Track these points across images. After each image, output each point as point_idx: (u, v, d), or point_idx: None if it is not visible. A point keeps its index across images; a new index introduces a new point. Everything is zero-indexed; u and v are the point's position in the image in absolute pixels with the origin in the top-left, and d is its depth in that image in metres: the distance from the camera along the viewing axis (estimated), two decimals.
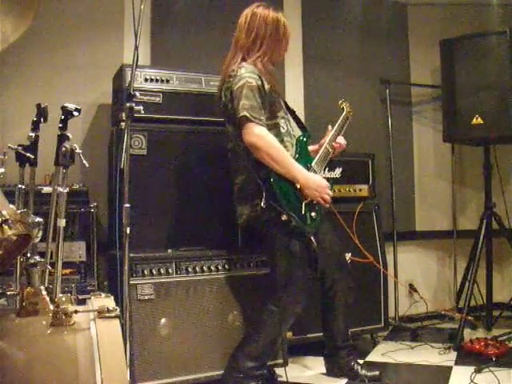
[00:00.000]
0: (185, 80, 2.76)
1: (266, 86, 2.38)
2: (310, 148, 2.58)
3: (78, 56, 3.07)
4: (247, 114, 2.25)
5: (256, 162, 2.30)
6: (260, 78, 2.36)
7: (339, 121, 2.65)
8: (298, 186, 2.32)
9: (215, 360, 2.46)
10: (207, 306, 2.49)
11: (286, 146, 2.40)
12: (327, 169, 3.03)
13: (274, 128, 2.39)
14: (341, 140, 2.63)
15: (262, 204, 2.24)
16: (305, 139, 2.50)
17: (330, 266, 2.55)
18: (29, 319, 1.43)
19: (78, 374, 1.26)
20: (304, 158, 2.45)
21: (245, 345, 2.39)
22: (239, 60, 2.42)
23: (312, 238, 2.33)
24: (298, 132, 2.56)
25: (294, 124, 2.57)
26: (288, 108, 2.58)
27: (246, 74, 2.33)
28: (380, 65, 3.88)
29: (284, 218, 2.24)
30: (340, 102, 2.73)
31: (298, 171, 2.31)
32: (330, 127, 2.63)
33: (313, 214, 2.38)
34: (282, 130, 2.44)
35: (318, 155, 2.51)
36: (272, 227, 2.33)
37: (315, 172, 2.44)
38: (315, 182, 2.35)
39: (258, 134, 2.25)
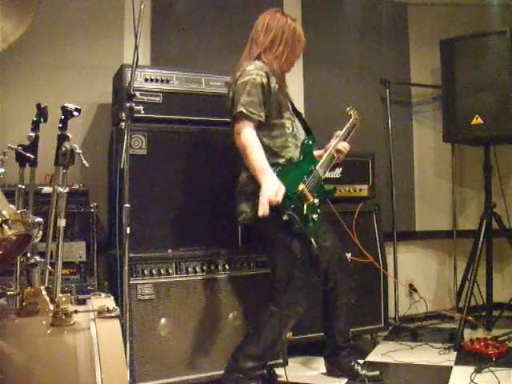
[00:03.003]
0: (185, 80, 2.76)
1: (274, 85, 2.39)
2: (316, 153, 2.58)
3: (78, 56, 3.06)
4: (244, 110, 2.26)
5: None
6: (267, 76, 2.36)
7: (346, 127, 2.65)
8: (300, 188, 2.32)
9: (215, 360, 2.47)
10: (207, 306, 2.49)
11: (289, 147, 2.41)
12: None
13: (279, 127, 2.40)
14: (344, 145, 2.62)
15: None
16: (310, 142, 2.50)
17: (333, 266, 2.55)
18: (29, 319, 1.43)
19: (78, 373, 1.26)
20: (308, 160, 2.46)
21: (245, 345, 2.39)
22: (254, 57, 2.43)
23: (312, 239, 2.33)
24: (303, 135, 2.56)
25: (299, 126, 2.57)
26: (295, 110, 2.58)
27: (254, 70, 2.34)
28: (380, 65, 3.88)
29: (285, 218, 2.24)
30: (348, 108, 2.72)
31: (261, 173, 2.22)
32: (338, 132, 2.63)
33: (314, 215, 2.38)
34: (288, 131, 2.44)
35: (323, 159, 2.52)
36: (272, 227, 2.33)
37: (319, 175, 2.46)
38: (269, 185, 2.20)
39: (240, 130, 2.28)
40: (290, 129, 2.47)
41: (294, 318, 2.42)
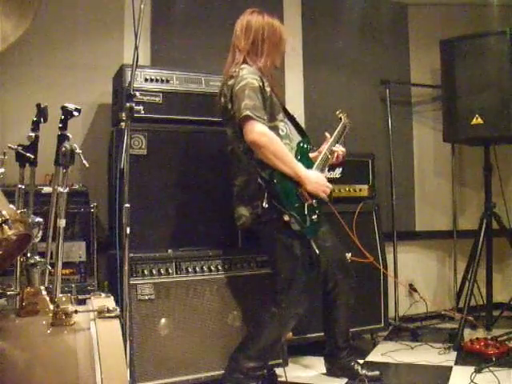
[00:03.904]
0: (185, 80, 2.76)
1: (267, 89, 2.39)
2: (310, 155, 2.58)
3: (78, 56, 3.07)
4: (250, 114, 2.25)
5: (258, 163, 2.30)
6: (261, 79, 2.37)
7: (337, 129, 2.66)
8: (300, 190, 2.33)
9: (215, 360, 2.47)
10: (207, 306, 2.49)
11: None
12: (327, 169, 3.02)
13: (273, 130, 2.39)
14: (340, 147, 2.63)
15: (264, 204, 2.25)
16: (305, 145, 2.51)
17: (332, 267, 2.55)
18: (29, 319, 1.43)
19: (78, 374, 1.26)
20: (305, 163, 2.45)
21: (245, 345, 2.39)
22: (241, 62, 2.42)
23: (312, 240, 2.33)
24: (296, 137, 2.56)
25: (292, 129, 2.57)
26: (287, 113, 2.58)
27: (249, 74, 2.34)
28: (380, 65, 3.88)
29: (286, 218, 2.25)
30: (338, 112, 2.74)
31: (299, 168, 2.33)
32: (328, 135, 2.64)
33: (314, 216, 2.37)
34: (281, 133, 2.45)
35: (318, 161, 2.52)
36: (273, 229, 2.33)
37: None
38: (314, 176, 2.38)
39: (261, 131, 2.26)
40: (284, 130, 2.47)
41: (295, 318, 2.42)
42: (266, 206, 2.24)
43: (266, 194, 2.26)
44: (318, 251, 2.31)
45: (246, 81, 2.31)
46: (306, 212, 2.33)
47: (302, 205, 2.33)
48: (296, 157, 2.45)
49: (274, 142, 2.28)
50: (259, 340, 2.37)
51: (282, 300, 2.36)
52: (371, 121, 3.79)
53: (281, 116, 2.49)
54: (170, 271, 2.44)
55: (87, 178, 2.83)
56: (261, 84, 2.35)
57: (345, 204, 3.12)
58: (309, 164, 2.47)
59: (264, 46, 2.44)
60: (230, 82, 2.38)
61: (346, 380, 2.58)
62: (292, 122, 2.60)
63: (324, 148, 2.59)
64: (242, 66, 2.39)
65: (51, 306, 1.45)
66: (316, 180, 2.37)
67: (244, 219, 2.41)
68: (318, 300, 2.62)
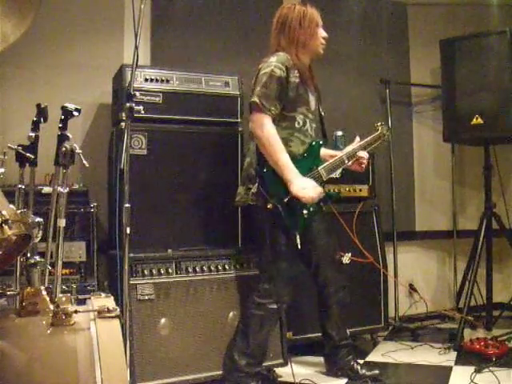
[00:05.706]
0: (185, 80, 2.76)
1: (293, 80, 2.40)
2: (331, 153, 2.58)
3: (78, 56, 3.07)
4: (257, 101, 2.30)
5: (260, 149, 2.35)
6: (287, 69, 2.38)
7: (369, 138, 2.63)
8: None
9: (215, 360, 2.46)
10: (207, 306, 2.50)
11: (292, 141, 2.41)
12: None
13: (289, 120, 2.42)
14: (363, 153, 2.59)
15: (254, 189, 2.34)
16: (317, 146, 2.50)
17: (324, 264, 2.55)
18: (29, 319, 1.43)
19: (78, 374, 1.26)
20: (312, 159, 2.46)
21: (237, 342, 2.40)
22: (274, 50, 2.46)
23: (297, 234, 2.32)
24: (314, 135, 2.54)
25: (314, 126, 2.54)
26: (317, 110, 2.58)
27: (275, 62, 2.37)
28: (380, 65, 3.88)
29: (269, 206, 2.29)
30: (379, 123, 2.71)
31: (285, 168, 2.30)
32: (357, 138, 2.62)
33: (304, 211, 2.37)
34: (297, 125, 2.45)
35: (330, 162, 2.50)
36: (261, 214, 2.37)
37: (320, 175, 2.44)
38: (301, 182, 2.31)
39: (261, 122, 2.30)
40: (301, 123, 2.46)
41: (280, 308, 2.43)
42: (255, 191, 2.33)
43: (257, 180, 2.33)
44: (299, 245, 2.29)
45: (270, 68, 2.35)
46: (292, 206, 2.32)
47: (289, 198, 2.32)
48: (303, 154, 2.44)
49: (269, 138, 2.29)
50: (248, 333, 2.38)
51: (265, 289, 2.39)
52: (371, 121, 3.77)
53: (303, 109, 2.47)
54: (170, 271, 2.44)
55: (87, 178, 2.83)
56: (283, 74, 2.36)
57: (345, 204, 3.11)
58: (315, 162, 2.46)
59: (297, 36, 2.45)
60: (260, 66, 2.42)
61: (346, 380, 2.58)
62: (320, 120, 2.59)
63: (345, 150, 2.57)
64: (276, 52, 2.42)
65: (51, 306, 1.45)
66: (303, 186, 2.30)
67: (239, 197, 2.48)
68: (316, 300, 2.63)
